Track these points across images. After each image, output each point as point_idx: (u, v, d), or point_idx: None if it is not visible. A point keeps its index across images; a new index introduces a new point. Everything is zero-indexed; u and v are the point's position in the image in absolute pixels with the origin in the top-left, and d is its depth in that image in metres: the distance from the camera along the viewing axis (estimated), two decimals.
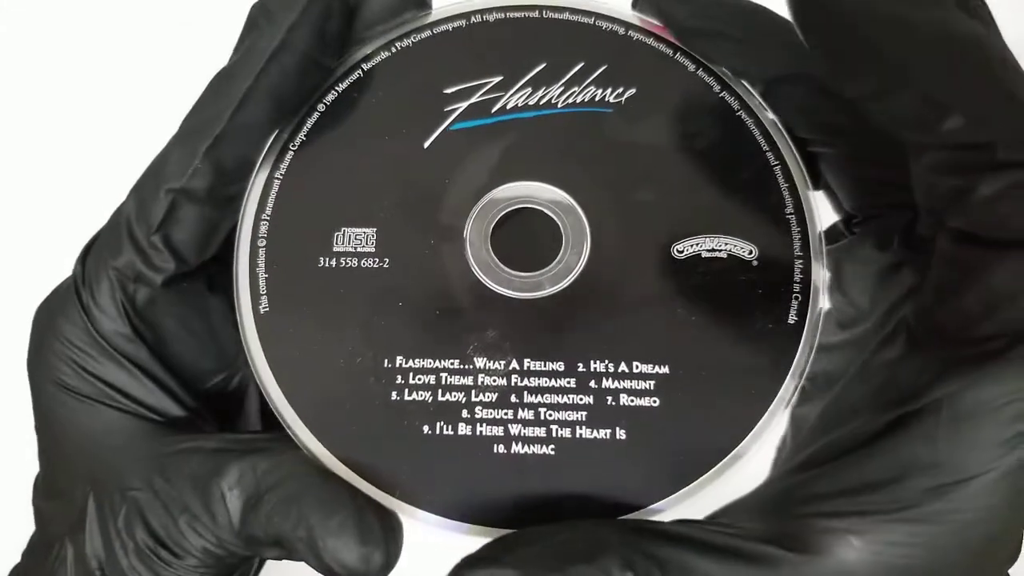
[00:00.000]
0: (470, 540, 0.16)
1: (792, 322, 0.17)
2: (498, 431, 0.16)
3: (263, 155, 0.18)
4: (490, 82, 0.18)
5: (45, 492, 0.20)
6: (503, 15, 0.19)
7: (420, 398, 0.17)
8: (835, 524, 0.15)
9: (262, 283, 0.17)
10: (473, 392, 0.17)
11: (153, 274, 0.17)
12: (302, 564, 0.17)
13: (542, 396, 0.17)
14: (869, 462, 0.15)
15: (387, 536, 0.16)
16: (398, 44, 0.18)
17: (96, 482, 0.18)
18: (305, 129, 0.18)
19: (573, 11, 0.19)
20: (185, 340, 0.19)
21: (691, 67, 0.18)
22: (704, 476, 0.16)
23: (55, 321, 0.18)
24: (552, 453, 0.16)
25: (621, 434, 0.16)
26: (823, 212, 0.18)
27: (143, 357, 0.18)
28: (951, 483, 0.14)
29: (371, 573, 0.15)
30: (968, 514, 0.15)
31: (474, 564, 0.15)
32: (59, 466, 0.20)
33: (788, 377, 0.16)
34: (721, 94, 0.18)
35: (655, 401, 0.16)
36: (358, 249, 0.17)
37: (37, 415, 0.20)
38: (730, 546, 0.15)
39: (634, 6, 0.19)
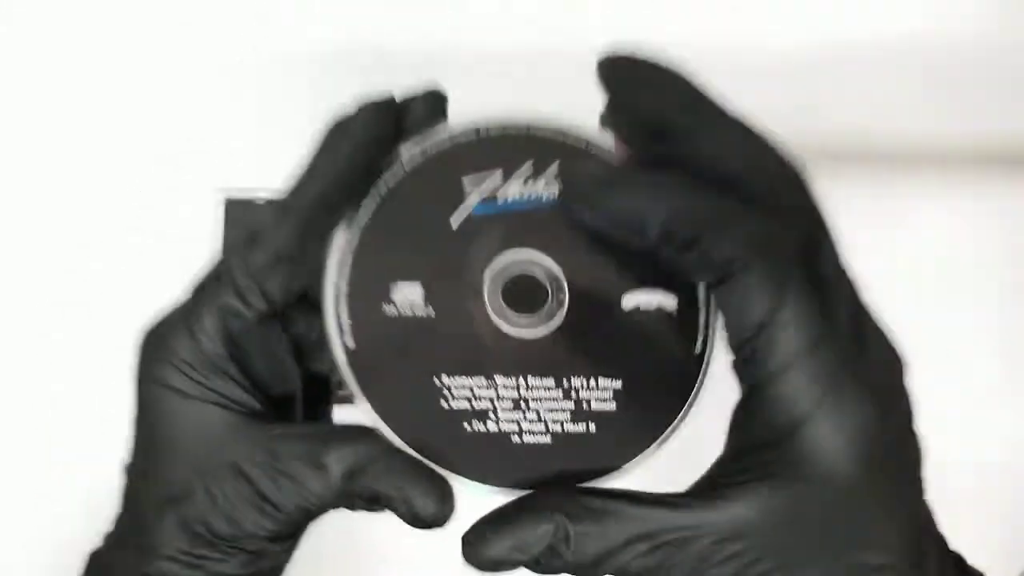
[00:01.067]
0: (496, 497, 0.24)
1: (697, 353, 0.25)
2: (514, 427, 0.24)
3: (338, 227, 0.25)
4: (495, 177, 0.26)
5: (142, 473, 0.25)
6: (502, 131, 0.25)
7: (461, 406, 0.24)
8: (734, 482, 0.21)
9: (346, 326, 0.24)
10: (495, 401, 0.24)
11: (248, 312, 0.24)
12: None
13: (541, 403, 0.24)
14: (751, 453, 0.21)
15: (450, 495, 0.23)
16: (429, 151, 0.25)
17: (199, 458, 0.23)
18: (367, 209, 0.25)
19: (551, 129, 0.26)
20: (261, 362, 0.25)
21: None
22: (638, 457, 0.24)
23: (167, 341, 0.24)
24: (549, 442, 0.24)
25: (592, 428, 0.24)
26: None
27: (233, 371, 0.24)
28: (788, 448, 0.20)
29: (444, 518, 0.23)
30: (804, 468, 0.20)
31: (493, 519, 0.22)
32: (161, 451, 0.24)
33: (693, 392, 0.25)
34: None
35: (613, 406, 0.25)
36: (411, 299, 0.25)
37: (141, 413, 0.24)
38: (653, 497, 0.21)
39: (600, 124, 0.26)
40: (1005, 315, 0.49)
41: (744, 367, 0.21)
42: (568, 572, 0.21)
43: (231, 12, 0.49)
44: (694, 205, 0.21)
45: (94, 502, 0.28)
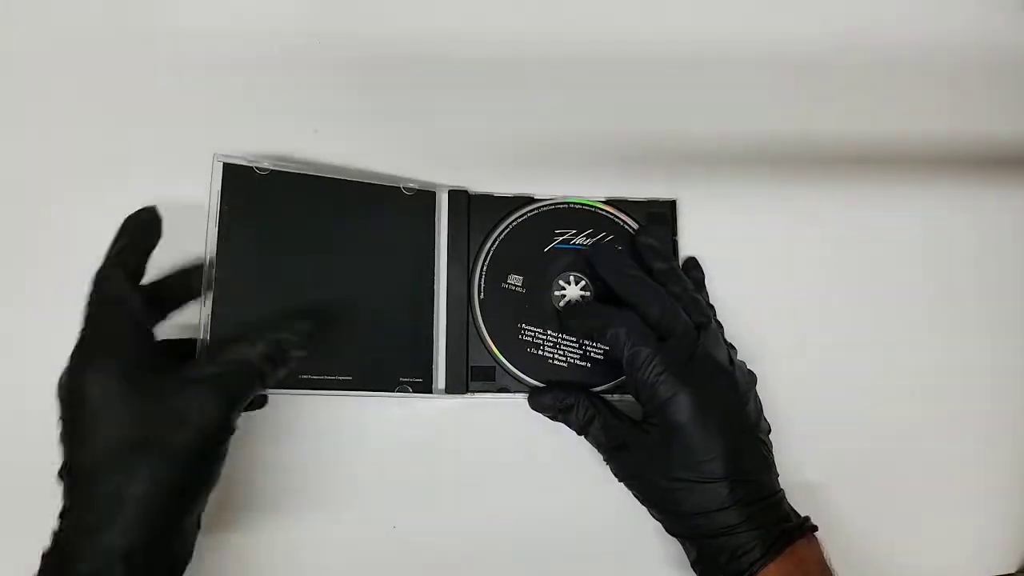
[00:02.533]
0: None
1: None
2: (551, 355, 0.48)
3: (483, 251, 0.49)
4: (572, 232, 0.50)
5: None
6: (566, 206, 0.50)
7: (529, 339, 0.48)
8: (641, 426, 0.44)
9: (481, 289, 0.49)
10: (546, 341, 0.48)
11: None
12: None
13: (567, 347, 0.48)
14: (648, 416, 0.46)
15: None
16: (533, 212, 0.50)
17: None
18: (501, 233, 0.50)
19: (605, 211, 0.50)
20: None
21: (634, 225, 0.51)
22: (607, 384, 0.49)
23: None
24: (566, 366, 0.48)
25: (588, 365, 0.49)
26: None
27: None
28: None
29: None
30: (666, 421, 0.41)
31: (543, 389, 0.47)
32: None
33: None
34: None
35: (600, 358, 0.49)
36: (516, 282, 0.49)
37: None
38: (621, 415, 0.45)
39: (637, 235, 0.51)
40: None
41: (638, 382, 0.43)
42: (569, 423, 0.46)
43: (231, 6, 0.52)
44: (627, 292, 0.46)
45: None
